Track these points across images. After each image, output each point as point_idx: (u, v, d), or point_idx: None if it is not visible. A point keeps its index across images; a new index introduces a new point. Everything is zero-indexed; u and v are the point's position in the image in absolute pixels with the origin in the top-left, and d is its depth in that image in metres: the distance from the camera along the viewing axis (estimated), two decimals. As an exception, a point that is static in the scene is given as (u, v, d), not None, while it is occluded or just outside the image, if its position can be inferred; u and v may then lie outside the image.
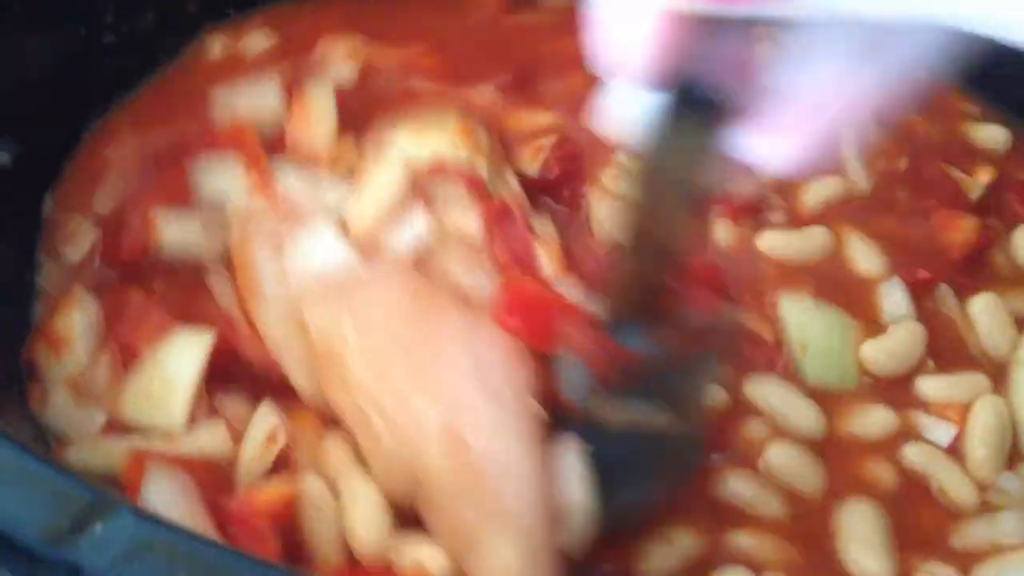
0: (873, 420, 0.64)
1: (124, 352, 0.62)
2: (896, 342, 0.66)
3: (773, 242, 0.70)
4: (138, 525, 0.38)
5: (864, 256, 0.70)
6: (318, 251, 0.63)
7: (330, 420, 0.60)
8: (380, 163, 0.65)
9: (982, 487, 0.62)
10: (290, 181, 0.66)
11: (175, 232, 0.66)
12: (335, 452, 0.59)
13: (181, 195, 0.67)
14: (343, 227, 0.64)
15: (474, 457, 0.56)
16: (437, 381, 0.58)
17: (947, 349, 0.67)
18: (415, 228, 0.64)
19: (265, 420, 0.59)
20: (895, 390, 0.65)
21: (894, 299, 0.68)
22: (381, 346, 0.59)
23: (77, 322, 0.63)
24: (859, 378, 0.65)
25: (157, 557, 0.37)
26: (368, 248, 0.63)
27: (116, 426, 0.60)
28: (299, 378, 0.61)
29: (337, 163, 0.68)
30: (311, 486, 0.57)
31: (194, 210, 0.67)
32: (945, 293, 0.69)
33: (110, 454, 0.58)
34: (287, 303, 0.62)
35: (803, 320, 0.66)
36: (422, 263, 0.63)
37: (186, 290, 0.65)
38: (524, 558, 0.54)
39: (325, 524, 0.56)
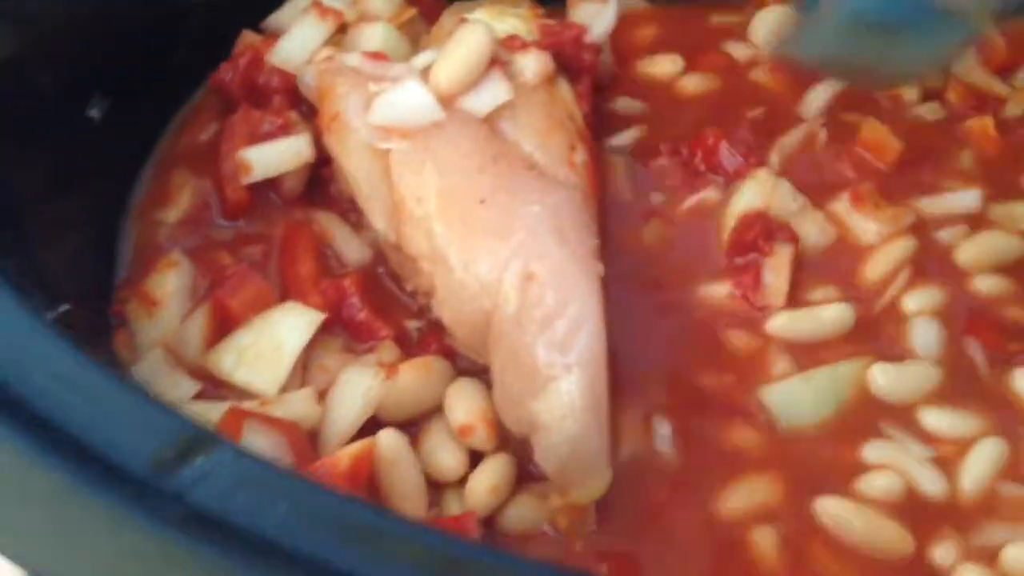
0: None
1: (220, 314, 0.64)
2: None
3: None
4: (238, 460, 0.38)
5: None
6: (403, 100, 0.64)
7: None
8: (464, 31, 0.67)
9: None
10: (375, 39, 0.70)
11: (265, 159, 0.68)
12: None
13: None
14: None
15: (549, 300, 0.58)
16: (512, 227, 0.60)
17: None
18: (494, 93, 0.65)
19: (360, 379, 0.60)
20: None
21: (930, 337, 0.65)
22: (460, 191, 0.62)
23: (172, 282, 0.65)
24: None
25: (258, 489, 0.37)
26: (448, 108, 0.64)
27: (206, 392, 0.61)
28: (378, 220, 0.64)
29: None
30: (387, 439, 0.58)
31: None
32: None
33: (199, 414, 0.58)
34: (370, 144, 0.64)
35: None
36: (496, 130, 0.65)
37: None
38: (587, 396, 0.57)
39: (402, 477, 0.58)
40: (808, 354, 0.64)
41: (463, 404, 0.60)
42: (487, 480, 0.58)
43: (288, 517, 0.35)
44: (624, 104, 0.77)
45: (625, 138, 0.74)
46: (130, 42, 0.70)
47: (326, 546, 0.34)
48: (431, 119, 0.63)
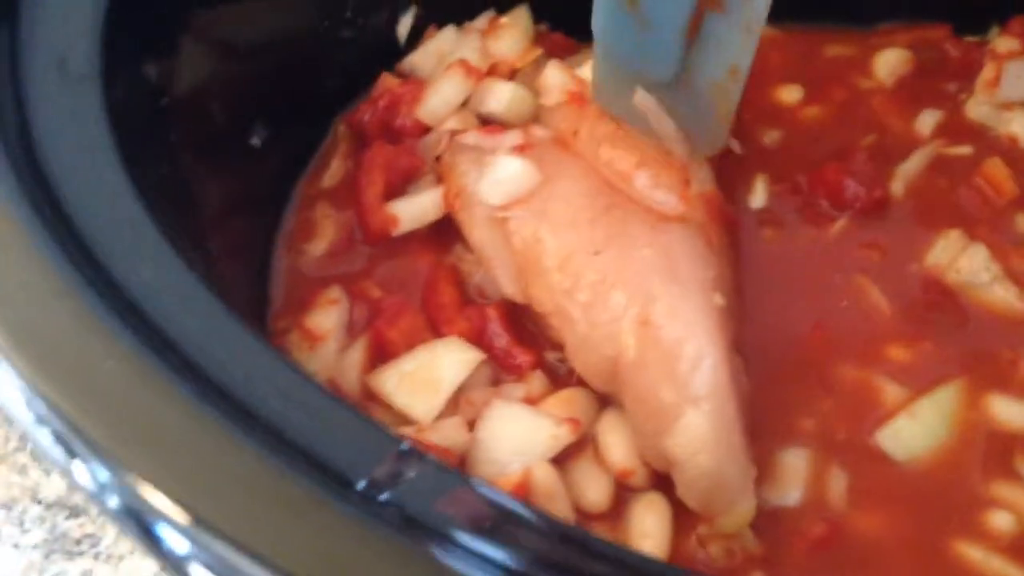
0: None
1: (378, 344, 0.68)
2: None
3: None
4: (441, 473, 0.41)
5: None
6: (502, 175, 0.69)
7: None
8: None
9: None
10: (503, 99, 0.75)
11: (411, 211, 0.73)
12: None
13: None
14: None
15: (667, 342, 0.61)
16: (627, 275, 0.63)
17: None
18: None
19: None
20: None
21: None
22: (575, 246, 0.65)
23: (333, 319, 0.70)
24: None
25: (464, 499, 0.40)
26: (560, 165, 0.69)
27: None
28: (506, 284, 0.68)
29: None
30: (543, 474, 0.61)
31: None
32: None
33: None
34: (491, 213, 0.69)
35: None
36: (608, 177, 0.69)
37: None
38: (717, 428, 0.59)
39: (558, 509, 0.61)
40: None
41: (619, 446, 0.63)
42: (654, 521, 0.61)
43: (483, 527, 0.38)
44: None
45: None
46: (289, 73, 0.74)
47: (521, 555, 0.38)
48: (531, 185, 0.68)
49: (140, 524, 0.34)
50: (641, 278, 0.63)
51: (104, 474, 0.35)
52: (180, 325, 0.40)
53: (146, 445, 0.36)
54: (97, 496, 0.35)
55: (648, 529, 0.61)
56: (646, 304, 0.62)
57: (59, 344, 0.38)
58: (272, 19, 0.72)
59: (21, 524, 0.78)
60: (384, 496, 0.38)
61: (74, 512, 0.79)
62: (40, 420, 0.36)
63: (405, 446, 0.40)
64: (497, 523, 0.39)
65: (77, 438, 0.35)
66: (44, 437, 0.36)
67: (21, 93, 0.46)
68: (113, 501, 0.35)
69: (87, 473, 0.36)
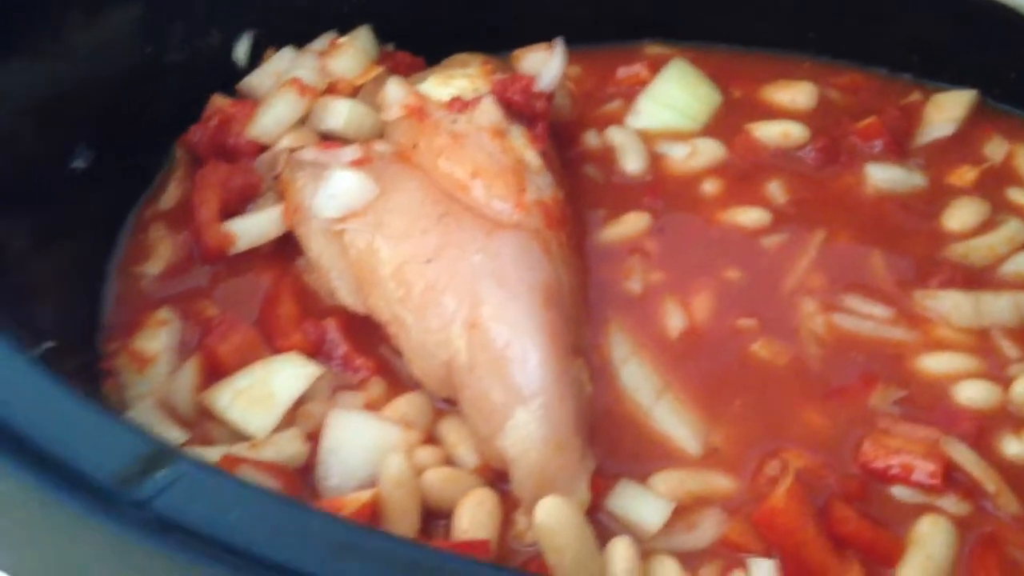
0: None
1: (209, 362, 0.68)
2: None
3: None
4: (196, 471, 0.41)
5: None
6: (337, 189, 0.70)
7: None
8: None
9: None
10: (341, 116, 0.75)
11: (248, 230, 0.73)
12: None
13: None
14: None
15: (494, 344, 0.62)
16: (457, 281, 0.65)
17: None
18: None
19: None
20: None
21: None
22: (408, 255, 0.66)
23: (162, 340, 0.69)
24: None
25: (214, 497, 0.39)
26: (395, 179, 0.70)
27: (195, 439, 0.65)
28: (345, 296, 0.69)
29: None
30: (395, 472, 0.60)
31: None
32: None
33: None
34: (327, 226, 0.70)
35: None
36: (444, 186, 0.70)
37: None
38: (546, 428, 0.60)
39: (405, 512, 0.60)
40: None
41: (462, 445, 0.64)
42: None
43: (241, 521, 0.38)
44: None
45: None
46: (112, 96, 0.74)
47: (279, 549, 0.37)
48: (367, 197, 0.69)
49: None
50: (470, 283, 0.64)
51: None
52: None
53: None
54: None
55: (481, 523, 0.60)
56: (474, 308, 0.63)
57: None
58: (88, 43, 0.72)
59: None
60: (131, 497, 0.37)
61: None
62: None
63: (158, 445, 0.40)
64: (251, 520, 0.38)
65: None
66: None
67: None
68: None
69: None
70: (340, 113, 0.76)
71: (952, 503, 0.63)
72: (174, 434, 0.64)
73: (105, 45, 0.73)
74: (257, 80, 0.80)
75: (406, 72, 0.81)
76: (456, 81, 0.77)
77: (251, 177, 0.74)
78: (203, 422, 0.66)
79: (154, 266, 0.74)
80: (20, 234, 0.64)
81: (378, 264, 0.67)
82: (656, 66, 0.89)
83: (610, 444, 0.65)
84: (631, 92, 0.87)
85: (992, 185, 0.81)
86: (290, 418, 0.65)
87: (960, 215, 0.78)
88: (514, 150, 0.72)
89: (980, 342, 0.71)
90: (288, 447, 0.63)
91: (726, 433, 0.66)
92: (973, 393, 0.68)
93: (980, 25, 0.84)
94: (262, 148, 0.76)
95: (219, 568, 0.36)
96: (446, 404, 0.66)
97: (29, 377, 0.41)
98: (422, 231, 0.67)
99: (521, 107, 0.75)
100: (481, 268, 0.64)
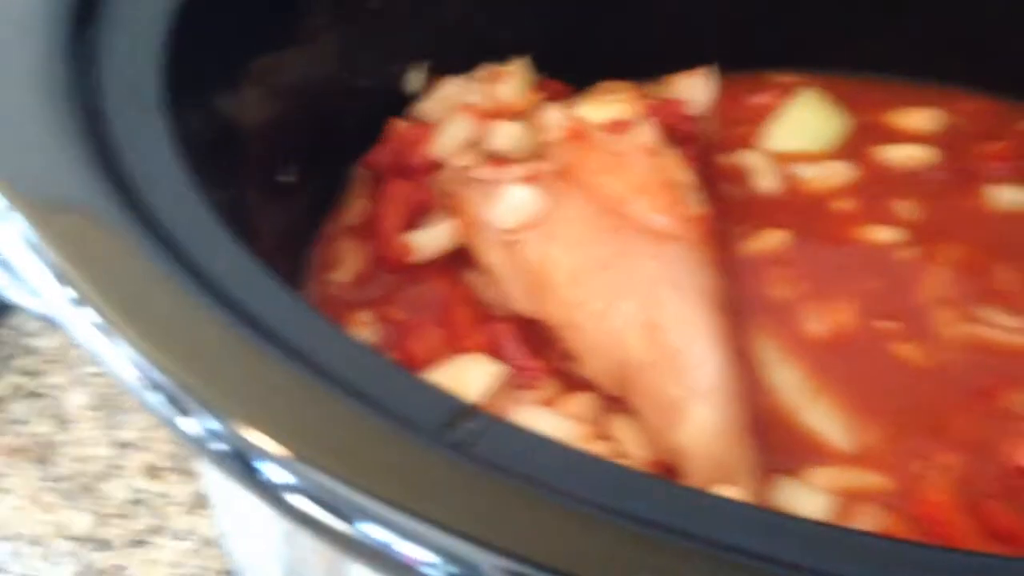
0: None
1: (407, 362, 0.73)
2: None
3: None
4: (498, 424, 0.44)
5: None
6: (511, 203, 0.76)
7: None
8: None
9: None
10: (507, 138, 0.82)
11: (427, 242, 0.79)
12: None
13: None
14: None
15: (673, 345, 0.68)
16: (634, 285, 0.70)
17: None
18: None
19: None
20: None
21: None
22: (585, 263, 0.72)
23: (368, 338, 0.75)
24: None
25: (520, 444, 0.43)
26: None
27: None
28: (518, 301, 0.75)
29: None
30: None
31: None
32: None
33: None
34: (502, 237, 0.75)
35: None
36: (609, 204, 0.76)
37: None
38: (723, 421, 0.65)
39: None
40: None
41: (633, 441, 0.68)
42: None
43: (546, 463, 0.42)
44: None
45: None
46: (314, 118, 0.80)
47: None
48: (539, 210, 0.74)
49: (244, 463, 0.40)
50: (647, 288, 0.70)
51: (213, 424, 0.41)
52: (257, 304, 0.46)
53: (248, 397, 0.42)
54: (205, 443, 0.41)
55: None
56: (652, 310, 0.69)
57: (165, 320, 0.44)
58: (301, 67, 0.78)
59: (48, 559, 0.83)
60: (460, 438, 0.43)
61: (100, 546, 0.83)
62: (153, 385, 0.42)
63: (461, 403, 0.45)
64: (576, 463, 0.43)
65: (189, 397, 0.41)
66: (157, 400, 0.42)
67: (106, 121, 0.53)
68: (221, 446, 0.41)
69: (198, 425, 0.41)
70: (509, 134, 0.82)
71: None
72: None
73: (315, 69, 0.80)
74: (429, 106, 0.87)
75: (557, 99, 0.88)
76: (612, 105, 0.83)
77: (427, 194, 0.81)
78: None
79: (344, 274, 0.80)
80: (260, 232, 0.70)
81: (554, 271, 0.73)
82: (784, 92, 0.94)
83: (761, 442, 0.70)
84: (761, 117, 0.93)
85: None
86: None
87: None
88: (670, 168, 0.78)
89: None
90: None
91: (877, 432, 0.71)
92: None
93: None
94: (437, 167, 0.82)
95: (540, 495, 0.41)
96: (615, 404, 0.71)
97: (356, 346, 0.48)
98: (596, 241, 0.73)
99: (673, 129, 0.81)
100: (657, 274, 0.70)
